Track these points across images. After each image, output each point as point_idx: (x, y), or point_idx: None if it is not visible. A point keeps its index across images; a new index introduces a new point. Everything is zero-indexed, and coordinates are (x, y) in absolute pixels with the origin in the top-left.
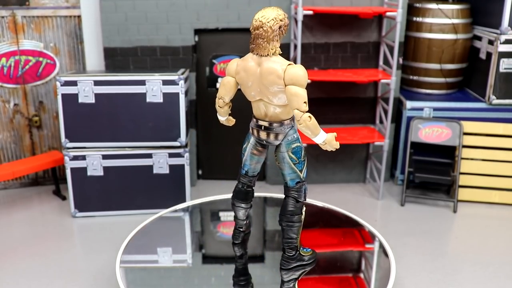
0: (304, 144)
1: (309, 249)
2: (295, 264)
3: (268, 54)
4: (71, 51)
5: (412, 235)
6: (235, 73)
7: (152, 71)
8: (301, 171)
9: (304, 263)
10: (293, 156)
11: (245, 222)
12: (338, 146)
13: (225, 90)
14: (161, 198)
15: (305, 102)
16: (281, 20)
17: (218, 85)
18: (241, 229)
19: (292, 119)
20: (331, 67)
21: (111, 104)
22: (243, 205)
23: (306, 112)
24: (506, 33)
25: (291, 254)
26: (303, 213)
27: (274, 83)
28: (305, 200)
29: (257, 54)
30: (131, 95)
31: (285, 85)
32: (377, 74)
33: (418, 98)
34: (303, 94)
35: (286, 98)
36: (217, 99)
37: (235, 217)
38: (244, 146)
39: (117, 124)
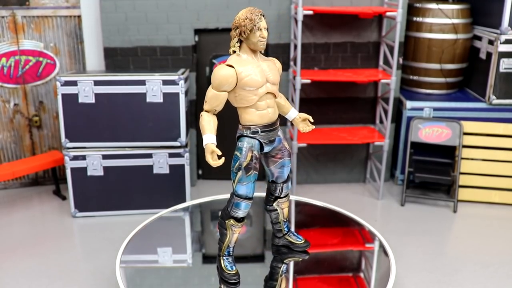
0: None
1: (233, 268)
2: (217, 265)
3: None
4: (71, 51)
5: (412, 235)
6: None
7: (152, 71)
8: (233, 181)
9: (219, 273)
10: (232, 161)
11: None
12: (210, 162)
13: None
14: (161, 198)
15: (206, 101)
16: (238, 22)
17: None
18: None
19: (244, 126)
20: (331, 67)
21: (111, 104)
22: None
23: (204, 111)
24: (506, 33)
25: (217, 253)
26: (229, 228)
27: None
28: (230, 213)
29: None
30: (131, 95)
31: None
32: (377, 74)
33: (418, 98)
34: (207, 93)
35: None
36: None
37: None
38: None
39: (117, 124)
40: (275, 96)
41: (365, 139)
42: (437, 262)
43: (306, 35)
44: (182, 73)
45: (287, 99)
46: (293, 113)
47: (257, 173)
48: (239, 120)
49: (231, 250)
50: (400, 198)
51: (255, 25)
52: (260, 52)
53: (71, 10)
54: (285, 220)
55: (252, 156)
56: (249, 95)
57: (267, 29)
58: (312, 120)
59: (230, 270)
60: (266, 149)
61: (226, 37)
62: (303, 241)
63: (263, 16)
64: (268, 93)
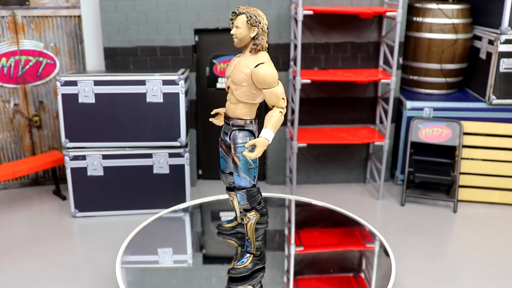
0: None
1: (225, 222)
2: None
3: None
4: (71, 51)
5: (412, 235)
6: None
7: (152, 71)
8: None
9: None
10: None
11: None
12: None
13: None
14: (161, 198)
15: None
16: None
17: (218, 85)
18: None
19: None
20: (331, 67)
21: (111, 104)
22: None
23: None
24: (506, 33)
25: None
26: None
27: None
28: None
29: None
30: (131, 95)
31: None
32: (377, 74)
33: (418, 98)
34: None
35: None
36: (284, 109)
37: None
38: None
39: (117, 124)
40: (236, 96)
41: (365, 139)
42: (437, 262)
43: (306, 35)
44: (182, 73)
45: (287, 100)
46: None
47: (223, 152)
48: None
49: (235, 215)
50: (400, 198)
51: (228, 22)
52: (257, 50)
53: (71, 10)
54: (245, 237)
55: (221, 136)
56: None
57: (253, 27)
58: (250, 152)
59: (223, 222)
60: (226, 139)
61: (226, 37)
62: (234, 264)
63: (234, 13)
64: (229, 87)
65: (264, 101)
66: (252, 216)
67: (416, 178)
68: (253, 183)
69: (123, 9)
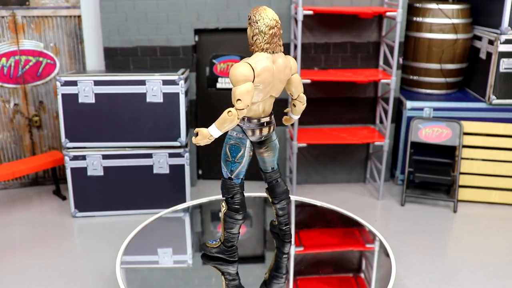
0: None
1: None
2: None
3: (280, 50)
4: (71, 51)
5: (412, 235)
6: (254, 76)
7: (152, 71)
8: None
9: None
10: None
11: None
12: None
13: (251, 97)
14: (161, 198)
15: None
16: None
17: (218, 85)
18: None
19: None
20: (331, 67)
21: (111, 104)
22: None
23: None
24: (506, 33)
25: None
26: None
27: (288, 76)
28: None
29: (272, 52)
30: (131, 95)
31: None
32: (377, 74)
33: (418, 98)
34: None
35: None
36: (239, 110)
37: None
38: (240, 154)
39: (117, 124)
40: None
41: (365, 139)
42: (437, 262)
43: (306, 35)
44: (182, 73)
45: (287, 99)
46: None
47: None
48: (271, 109)
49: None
50: (400, 198)
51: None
52: (253, 50)
53: (71, 10)
54: None
55: None
56: None
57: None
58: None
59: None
60: None
61: (226, 37)
62: (207, 241)
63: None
64: None
65: (273, 100)
66: (222, 206)
67: (416, 178)
68: (229, 175)
69: (123, 9)
